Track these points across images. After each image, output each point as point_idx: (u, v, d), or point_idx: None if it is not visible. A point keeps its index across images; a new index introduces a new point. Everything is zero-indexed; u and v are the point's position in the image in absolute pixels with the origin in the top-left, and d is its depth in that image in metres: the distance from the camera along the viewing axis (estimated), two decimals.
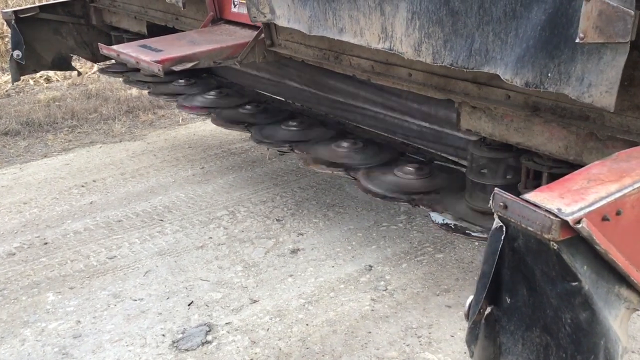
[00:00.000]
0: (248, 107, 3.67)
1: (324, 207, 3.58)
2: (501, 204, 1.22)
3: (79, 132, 4.94)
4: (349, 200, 3.66)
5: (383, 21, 1.99)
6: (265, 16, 2.55)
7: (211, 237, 3.28)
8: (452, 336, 2.49)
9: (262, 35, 2.89)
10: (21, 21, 4.04)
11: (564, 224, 1.13)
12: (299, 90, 3.62)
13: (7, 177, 4.14)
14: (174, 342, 2.49)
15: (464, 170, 2.61)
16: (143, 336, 2.53)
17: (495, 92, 2.02)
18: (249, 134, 3.42)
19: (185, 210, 3.59)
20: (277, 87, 3.80)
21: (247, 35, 3.00)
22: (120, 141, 4.75)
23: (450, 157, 2.86)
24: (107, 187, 3.92)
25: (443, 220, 2.39)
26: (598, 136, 1.80)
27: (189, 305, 2.72)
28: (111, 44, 3.77)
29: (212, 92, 3.91)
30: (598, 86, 1.46)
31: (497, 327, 1.31)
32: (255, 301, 2.74)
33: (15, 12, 4.05)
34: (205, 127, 4.97)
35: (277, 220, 3.44)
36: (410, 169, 2.75)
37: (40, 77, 6.23)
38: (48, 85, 6.22)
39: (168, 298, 2.77)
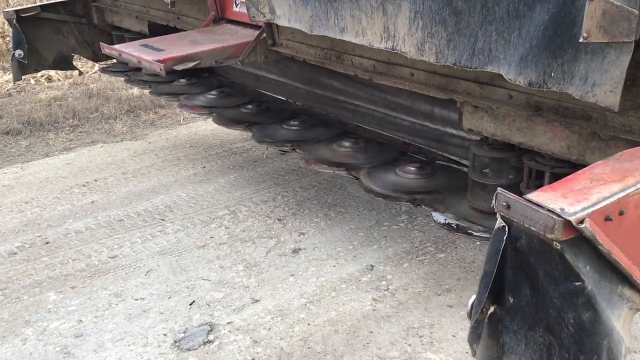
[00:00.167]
0: (249, 106, 3.68)
1: (325, 207, 3.58)
2: (504, 203, 1.22)
3: (80, 132, 4.94)
4: (350, 200, 3.66)
5: (385, 21, 1.99)
6: (264, 16, 2.55)
7: (212, 237, 3.28)
8: (453, 336, 2.48)
9: (264, 34, 2.89)
10: (22, 20, 4.04)
11: (567, 223, 1.13)
12: (299, 89, 3.62)
13: (8, 176, 4.14)
14: (175, 341, 2.49)
15: (465, 169, 2.61)
16: (145, 335, 2.53)
17: (497, 91, 2.02)
18: (250, 134, 3.42)
19: (187, 209, 3.59)
20: (275, 85, 3.80)
21: (249, 35, 3.00)
22: (122, 140, 4.75)
23: (452, 157, 2.86)
24: (109, 187, 3.93)
25: (445, 220, 2.39)
26: (600, 136, 1.80)
27: (190, 304, 2.72)
28: (112, 44, 3.77)
29: (214, 92, 3.91)
30: (602, 86, 1.45)
31: (500, 326, 1.31)
32: (256, 301, 2.74)
33: (16, 11, 4.05)
34: (206, 127, 4.97)
35: (278, 219, 3.44)
36: (412, 168, 2.75)
37: (42, 76, 6.24)
38: (49, 85, 6.22)
39: (170, 297, 2.77)
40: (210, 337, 2.51)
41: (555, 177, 1.95)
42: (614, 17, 1.34)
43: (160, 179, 4.01)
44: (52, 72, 6.17)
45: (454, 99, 2.19)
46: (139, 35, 3.94)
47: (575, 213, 1.14)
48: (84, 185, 3.95)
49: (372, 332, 2.52)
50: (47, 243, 3.26)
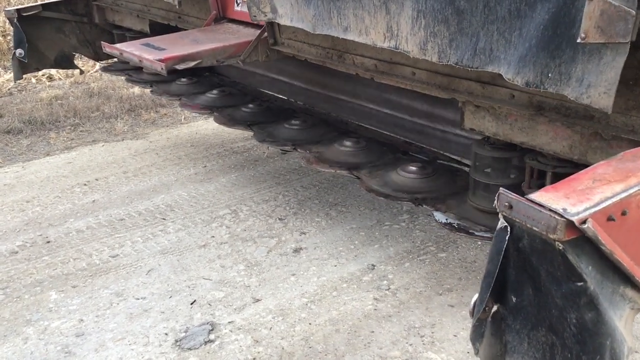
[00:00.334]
0: (251, 105, 3.67)
1: (326, 206, 3.58)
2: (506, 203, 1.22)
3: (81, 131, 4.94)
4: (351, 199, 3.66)
5: (388, 20, 1.99)
6: (266, 15, 2.54)
7: (214, 236, 3.28)
8: (455, 336, 2.48)
9: (265, 34, 2.88)
10: (24, 19, 4.04)
11: (570, 224, 1.12)
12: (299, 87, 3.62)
13: (9, 175, 4.14)
14: (176, 341, 2.49)
15: (467, 169, 2.61)
16: (146, 335, 2.53)
17: (499, 91, 2.02)
18: (251, 133, 3.42)
19: (188, 209, 3.59)
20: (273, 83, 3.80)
21: (250, 34, 3.00)
22: (123, 140, 4.76)
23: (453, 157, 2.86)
24: (110, 186, 3.93)
25: (446, 219, 2.39)
26: (603, 136, 1.80)
27: (191, 304, 2.72)
28: (113, 43, 3.77)
29: (215, 91, 3.91)
30: (597, 87, 1.45)
31: (503, 325, 1.31)
32: (257, 300, 2.73)
33: (18, 10, 4.05)
34: (207, 126, 4.97)
35: (279, 219, 3.44)
36: (413, 168, 2.75)
37: (43, 75, 6.24)
38: (50, 84, 6.23)
39: (171, 297, 2.77)
40: (212, 336, 2.51)
41: (557, 177, 1.95)
42: (612, 17, 1.34)
43: (162, 178, 4.01)
44: (53, 71, 6.18)
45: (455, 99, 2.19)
46: (140, 34, 3.94)
47: (578, 213, 1.13)
48: (85, 184, 3.95)
49: (373, 331, 2.52)
50: (48, 242, 3.26)
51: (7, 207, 3.67)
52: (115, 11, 4.23)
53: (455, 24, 1.78)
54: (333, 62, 2.67)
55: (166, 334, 2.53)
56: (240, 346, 2.45)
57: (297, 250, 3.13)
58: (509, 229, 1.23)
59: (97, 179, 4.03)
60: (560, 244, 1.14)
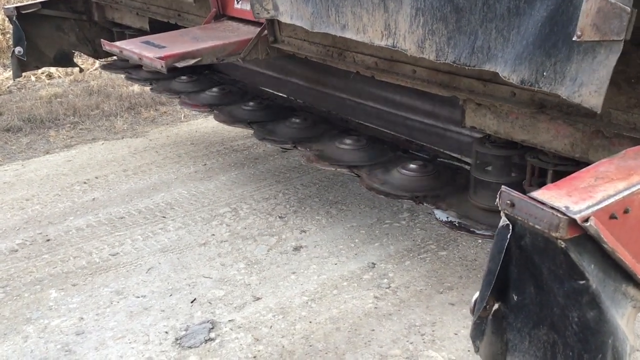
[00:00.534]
0: (251, 103, 3.67)
1: (326, 205, 3.58)
2: (508, 201, 1.21)
3: (80, 129, 4.94)
4: (351, 198, 3.65)
5: (386, 18, 1.98)
6: (268, 12, 2.54)
7: (214, 234, 3.27)
8: (455, 334, 2.48)
9: (265, 31, 2.88)
10: (23, 17, 4.04)
11: (572, 222, 1.12)
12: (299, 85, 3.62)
13: (9, 173, 4.14)
14: (177, 339, 2.49)
15: (467, 167, 2.60)
16: (146, 333, 2.52)
17: (500, 89, 2.01)
18: (251, 131, 3.42)
19: (188, 207, 3.59)
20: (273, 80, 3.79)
21: (250, 32, 2.99)
22: (122, 138, 4.75)
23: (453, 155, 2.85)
24: (109, 184, 3.92)
25: (447, 217, 2.39)
26: (604, 133, 1.79)
27: (191, 302, 2.71)
28: (113, 41, 3.76)
29: (215, 89, 3.90)
30: (588, 85, 1.43)
31: (504, 323, 1.30)
32: (258, 298, 2.73)
33: (17, 8, 4.04)
34: (207, 124, 4.96)
35: (279, 217, 3.44)
36: (414, 166, 2.74)
37: (42, 73, 6.23)
38: (49, 82, 6.22)
39: (171, 295, 2.77)
40: (212, 334, 2.51)
41: (558, 175, 1.94)
42: (608, 14, 1.33)
43: (161, 176, 4.01)
44: (52, 69, 6.16)
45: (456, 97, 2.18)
46: (140, 32, 3.93)
47: (580, 211, 1.13)
48: (84, 183, 3.95)
49: (373, 330, 2.52)
50: (48, 240, 3.26)
51: (7, 205, 3.66)
52: (115, 9, 4.22)
53: (453, 21, 1.77)
54: (333, 60, 2.67)
55: (166, 332, 2.53)
56: (241, 344, 2.45)
57: (297, 249, 3.12)
58: (510, 227, 1.23)
59: (96, 177, 4.02)
60: (562, 242, 1.14)
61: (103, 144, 4.64)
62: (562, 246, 1.14)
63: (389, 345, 2.43)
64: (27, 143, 4.67)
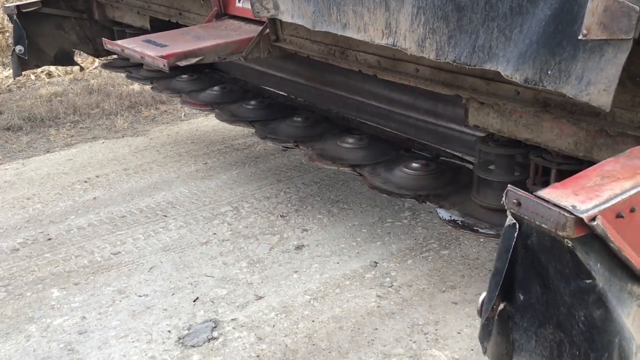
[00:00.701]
0: (252, 102, 3.66)
1: (328, 203, 3.58)
2: (515, 200, 1.21)
3: (81, 128, 4.93)
4: (353, 196, 3.65)
5: (387, 17, 1.97)
6: (268, 11, 2.53)
7: (215, 233, 3.27)
8: (458, 333, 2.48)
9: (267, 30, 2.87)
10: (23, 16, 4.03)
11: (579, 221, 1.12)
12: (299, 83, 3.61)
13: (9, 172, 4.13)
14: (179, 338, 2.49)
15: (470, 166, 2.60)
16: (149, 332, 2.52)
17: (503, 87, 2.01)
18: (251, 130, 3.41)
19: (189, 206, 3.58)
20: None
21: (252, 31, 2.99)
22: (123, 137, 4.74)
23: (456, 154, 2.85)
24: (110, 183, 3.92)
25: (450, 216, 2.39)
26: (608, 132, 1.79)
27: (194, 301, 2.71)
28: (114, 39, 3.76)
29: (216, 88, 3.89)
30: (596, 84, 1.43)
31: (510, 323, 1.30)
32: (260, 297, 2.73)
33: (17, 6, 4.03)
34: (207, 123, 4.96)
35: (281, 216, 3.44)
36: (416, 165, 2.74)
37: (42, 72, 6.22)
38: (50, 81, 6.20)
39: (173, 294, 2.77)
40: (215, 333, 2.50)
41: (562, 174, 1.94)
42: (615, 13, 1.33)
43: (162, 175, 4.01)
44: (52, 68, 6.16)
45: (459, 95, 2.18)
46: (141, 31, 3.93)
47: (587, 210, 1.13)
48: (85, 182, 3.94)
49: (376, 329, 2.52)
50: (50, 239, 3.26)
51: (8, 204, 3.66)
52: (116, 7, 4.21)
53: (455, 20, 1.76)
54: (335, 59, 2.66)
55: (169, 331, 2.53)
56: (244, 343, 2.45)
57: (299, 248, 3.12)
58: (517, 226, 1.23)
59: (97, 176, 4.02)
60: (569, 241, 1.14)
61: (103, 142, 4.63)
62: (569, 245, 1.14)
63: (392, 344, 2.43)
64: (27, 142, 4.67)
